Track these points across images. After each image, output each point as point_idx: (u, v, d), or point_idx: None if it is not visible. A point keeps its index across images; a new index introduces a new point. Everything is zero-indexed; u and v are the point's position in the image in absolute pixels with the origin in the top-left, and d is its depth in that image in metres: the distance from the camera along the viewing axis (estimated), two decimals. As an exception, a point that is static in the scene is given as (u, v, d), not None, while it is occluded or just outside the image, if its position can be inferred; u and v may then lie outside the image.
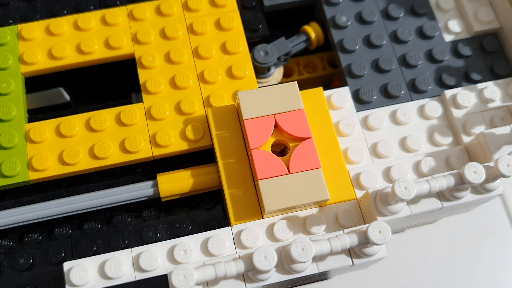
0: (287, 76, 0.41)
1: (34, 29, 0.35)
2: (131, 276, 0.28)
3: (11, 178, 0.31)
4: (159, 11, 0.36)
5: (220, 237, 0.29)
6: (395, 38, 0.36)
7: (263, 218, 0.30)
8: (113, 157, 0.32)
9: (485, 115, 0.34)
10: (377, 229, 0.26)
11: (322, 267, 0.28)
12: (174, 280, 0.24)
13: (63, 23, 0.35)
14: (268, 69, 0.37)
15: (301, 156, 0.29)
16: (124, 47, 0.35)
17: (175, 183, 0.31)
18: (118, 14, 0.36)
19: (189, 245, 0.28)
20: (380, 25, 0.37)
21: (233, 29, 0.36)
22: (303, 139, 0.30)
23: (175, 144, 0.32)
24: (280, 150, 0.31)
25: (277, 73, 0.38)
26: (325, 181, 0.29)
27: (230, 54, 0.35)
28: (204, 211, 0.33)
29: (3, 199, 0.32)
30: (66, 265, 0.28)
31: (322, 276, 0.35)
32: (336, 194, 0.30)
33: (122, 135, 0.32)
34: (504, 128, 0.32)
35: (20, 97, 0.33)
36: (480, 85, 0.34)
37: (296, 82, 0.31)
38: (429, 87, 0.35)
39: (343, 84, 0.35)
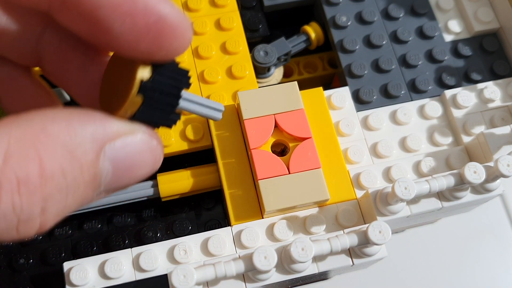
0: (287, 76, 0.41)
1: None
2: (131, 276, 0.28)
3: (11, 178, 0.31)
4: (159, 11, 0.36)
5: (220, 237, 0.29)
6: (395, 38, 0.36)
7: (263, 218, 0.30)
8: (113, 157, 0.32)
9: (485, 115, 0.34)
10: (377, 229, 0.26)
11: (322, 267, 0.28)
12: (174, 280, 0.24)
13: (63, 23, 0.35)
14: (268, 69, 0.37)
15: (301, 156, 0.29)
16: (124, 47, 0.35)
17: (175, 183, 0.31)
18: (118, 14, 0.35)
19: (189, 245, 0.28)
20: (380, 25, 0.37)
21: (233, 29, 0.36)
22: (303, 139, 0.30)
23: (175, 144, 0.32)
24: (280, 150, 0.31)
25: (277, 73, 0.38)
26: (325, 181, 0.29)
27: (230, 54, 0.35)
28: (204, 211, 0.33)
29: (3, 199, 0.32)
30: (66, 265, 0.28)
31: (322, 276, 0.35)
32: (336, 194, 0.30)
33: (122, 135, 0.32)
34: (504, 128, 0.32)
35: (20, 97, 0.33)
36: (480, 85, 0.34)
37: (296, 82, 0.31)
38: (429, 87, 0.35)
39: (343, 84, 0.35)
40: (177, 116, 0.22)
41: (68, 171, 0.18)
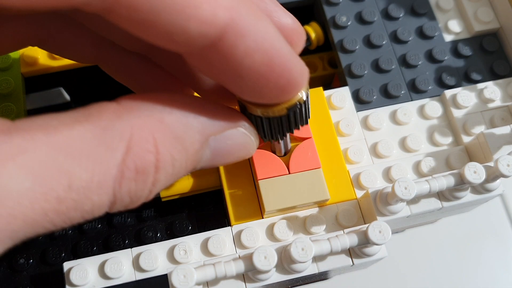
0: (287, 76, 0.41)
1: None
2: (131, 276, 0.28)
3: (11, 178, 0.31)
4: (159, 11, 0.36)
5: (220, 237, 0.29)
6: (395, 38, 0.36)
7: (263, 218, 0.30)
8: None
9: (485, 115, 0.34)
10: (377, 229, 0.26)
11: (322, 267, 0.28)
12: (174, 280, 0.24)
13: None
14: (268, 69, 0.37)
15: (301, 156, 0.29)
16: (124, 47, 0.35)
17: (175, 184, 0.31)
18: (118, 14, 0.35)
19: (189, 245, 0.28)
20: (380, 25, 0.37)
21: (233, 29, 0.36)
22: (303, 139, 0.30)
23: (175, 144, 0.32)
24: (280, 150, 0.31)
25: (277, 73, 0.38)
26: (325, 181, 0.29)
27: (230, 54, 0.35)
28: (204, 211, 0.33)
29: (3, 199, 0.32)
30: (66, 265, 0.28)
31: (322, 276, 0.35)
32: (336, 194, 0.30)
33: (122, 135, 0.32)
34: (504, 128, 0.32)
35: (20, 97, 0.33)
36: (480, 85, 0.34)
37: (296, 82, 0.31)
38: (429, 87, 0.35)
39: (343, 84, 0.35)
40: (280, 138, 0.25)
41: (177, 160, 0.20)
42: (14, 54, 0.34)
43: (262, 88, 0.20)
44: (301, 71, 0.21)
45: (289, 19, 0.23)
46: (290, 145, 0.30)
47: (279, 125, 0.24)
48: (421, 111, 0.34)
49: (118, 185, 0.18)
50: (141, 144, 0.19)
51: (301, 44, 0.24)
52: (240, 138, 0.23)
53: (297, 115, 0.24)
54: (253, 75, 0.20)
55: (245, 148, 0.24)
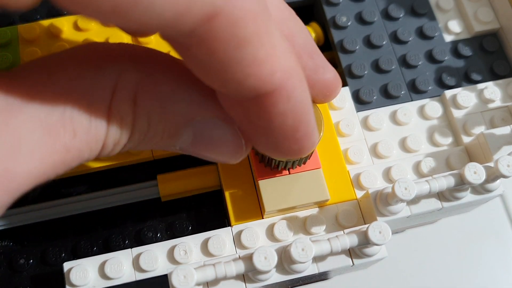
0: (287, 76, 0.41)
1: (34, 29, 0.35)
2: (131, 276, 0.28)
3: (11, 178, 0.31)
4: (159, 11, 0.36)
5: (220, 237, 0.29)
6: (395, 38, 0.36)
7: (263, 218, 0.30)
8: (113, 157, 0.32)
9: (485, 115, 0.34)
10: (377, 229, 0.26)
11: (322, 267, 0.28)
12: (174, 280, 0.24)
13: (63, 23, 0.35)
14: (268, 69, 0.37)
15: (301, 156, 0.29)
16: (124, 47, 0.35)
17: (175, 183, 0.31)
18: (118, 14, 0.35)
19: (189, 245, 0.28)
20: (380, 25, 0.37)
21: (233, 29, 0.36)
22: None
23: (175, 144, 0.32)
24: (280, 150, 0.31)
25: (277, 73, 0.38)
26: (325, 181, 0.29)
27: (230, 54, 0.35)
28: (204, 211, 0.33)
29: (3, 199, 0.32)
30: (66, 265, 0.28)
31: (322, 277, 0.35)
32: (336, 194, 0.30)
33: (122, 135, 0.32)
34: (504, 128, 0.32)
35: (20, 97, 0.33)
36: (480, 85, 0.34)
37: (296, 82, 0.31)
38: (429, 87, 0.35)
39: (343, 84, 0.35)
40: (287, 170, 0.29)
41: (154, 122, 0.20)
42: (14, 54, 0.34)
43: (277, 146, 0.21)
44: (313, 143, 0.22)
45: (331, 75, 0.25)
46: None
47: (286, 164, 0.28)
48: (421, 111, 0.34)
49: (107, 133, 0.18)
50: (123, 93, 0.18)
51: (336, 94, 0.26)
52: (230, 135, 0.22)
53: (300, 162, 0.28)
54: (277, 133, 0.20)
55: (231, 148, 0.22)
